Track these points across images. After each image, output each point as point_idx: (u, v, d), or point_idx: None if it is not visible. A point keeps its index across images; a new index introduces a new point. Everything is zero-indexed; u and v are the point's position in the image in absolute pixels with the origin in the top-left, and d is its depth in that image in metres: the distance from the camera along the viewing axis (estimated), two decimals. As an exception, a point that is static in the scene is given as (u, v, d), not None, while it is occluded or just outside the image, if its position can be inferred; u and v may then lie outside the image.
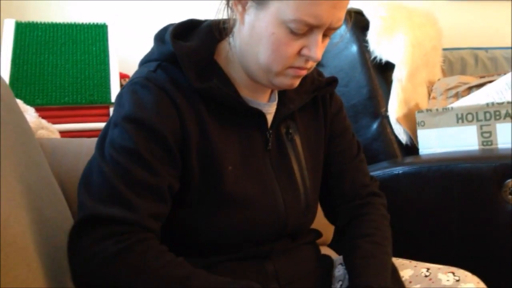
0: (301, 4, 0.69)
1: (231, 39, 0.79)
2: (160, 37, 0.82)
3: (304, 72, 0.77)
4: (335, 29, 0.74)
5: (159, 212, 0.72)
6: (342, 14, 0.73)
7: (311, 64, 0.77)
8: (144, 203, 0.69)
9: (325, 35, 0.75)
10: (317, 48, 0.73)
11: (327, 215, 0.99)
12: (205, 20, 0.84)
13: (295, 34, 0.72)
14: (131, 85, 0.76)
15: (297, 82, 0.79)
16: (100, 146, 0.74)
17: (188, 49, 0.77)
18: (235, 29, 0.78)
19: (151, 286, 0.65)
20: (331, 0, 0.69)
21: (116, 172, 0.69)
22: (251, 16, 0.74)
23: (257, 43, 0.74)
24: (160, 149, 0.72)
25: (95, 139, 1.27)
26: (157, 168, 0.71)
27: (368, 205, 0.92)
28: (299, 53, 0.74)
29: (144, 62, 0.82)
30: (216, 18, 0.80)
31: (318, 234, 0.96)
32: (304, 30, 0.71)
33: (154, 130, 0.72)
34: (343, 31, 1.64)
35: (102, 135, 0.75)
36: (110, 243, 0.65)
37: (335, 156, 0.94)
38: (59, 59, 1.76)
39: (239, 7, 0.75)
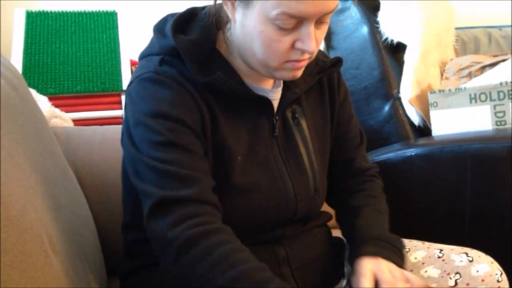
0: None
1: (228, 34, 0.78)
2: (159, 29, 0.81)
3: (303, 64, 0.76)
4: (329, 14, 0.72)
5: (212, 184, 0.74)
6: (331, 1, 0.69)
7: (309, 55, 0.75)
8: (200, 177, 0.72)
9: (321, 22, 0.73)
10: (310, 41, 0.71)
11: (328, 199, 0.99)
12: (204, 7, 0.83)
13: (283, 29, 0.70)
14: (140, 81, 0.75)
15: (299, 73, 0.78)
16: (130, 145, 0.74)
17: (189, 42, 0.76)
18: (230, 24, 0.77)
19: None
20: None
21: (164, 162, 0.70)
22: (240, 14, 0.73)
23: (250, 41, 0.73)
24: (189, 137, 0.73)
25: (108, 127, 1.29)
26: (194, 151, 0.73)
27: (370, 182, 0.95)
28: (293, 46, 0.72)
29: (145, 55, 0.81)
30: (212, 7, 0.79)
31: (328, 216, 0.96)
32: (292, 24, 0.70)
33: (178, 120, 0.72)
34: (353, 12, 1.62)
35: (127, 138, 0.75)
36: (184, 227, 0.67)
37: (343, 143, 0.95)
38: (70, 48, 1.76)
39: (229, 6, 0.74)
